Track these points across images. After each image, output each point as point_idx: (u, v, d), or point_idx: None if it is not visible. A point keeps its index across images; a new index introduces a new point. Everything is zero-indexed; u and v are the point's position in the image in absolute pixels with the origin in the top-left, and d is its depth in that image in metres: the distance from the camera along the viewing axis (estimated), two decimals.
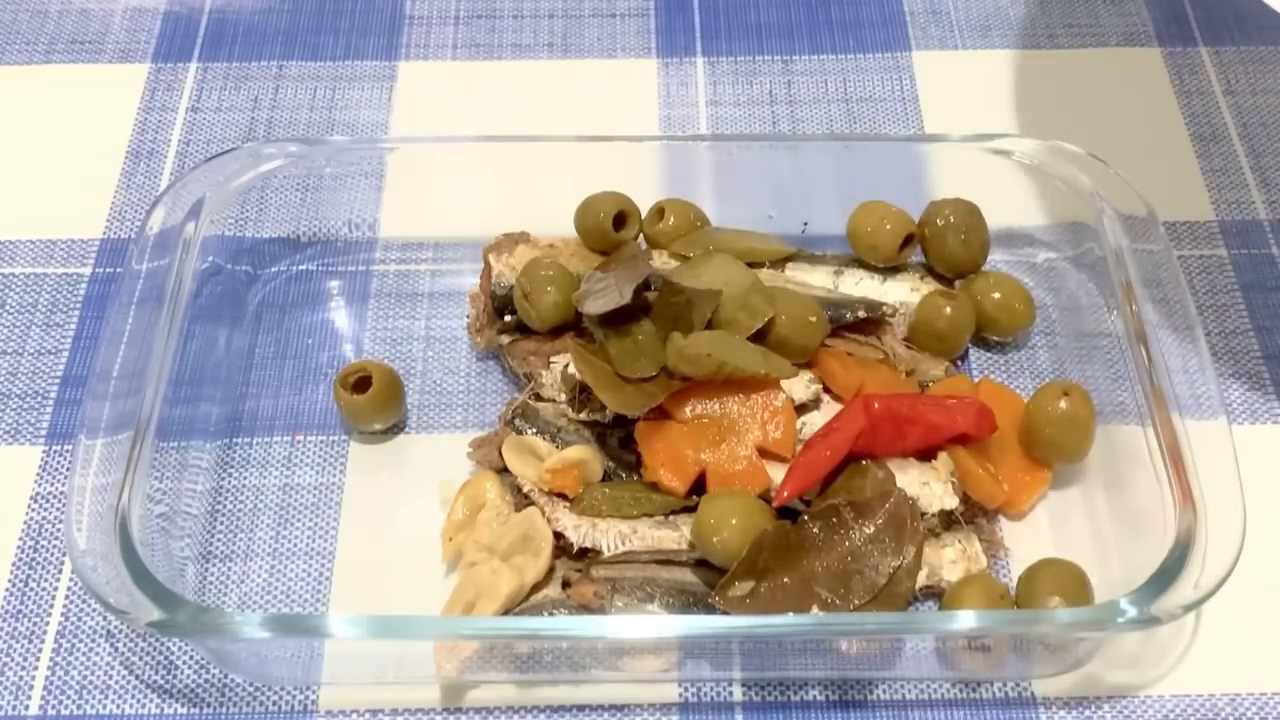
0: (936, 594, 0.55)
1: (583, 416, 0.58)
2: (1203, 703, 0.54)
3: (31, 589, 0.57)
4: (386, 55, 0.78)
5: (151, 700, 0.54)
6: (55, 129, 0.74)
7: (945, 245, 0.63)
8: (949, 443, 0.57)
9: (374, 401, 0.60)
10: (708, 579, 0.54)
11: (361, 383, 0.60)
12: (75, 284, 0.67)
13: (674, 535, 0.55)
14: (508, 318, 0.63)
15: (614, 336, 0.57)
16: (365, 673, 0.55)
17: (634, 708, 0.54)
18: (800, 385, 0.58)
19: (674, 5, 0.81)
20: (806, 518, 0.54)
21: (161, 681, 0.55)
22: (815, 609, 0.52)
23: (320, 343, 0.65)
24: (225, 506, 0.60)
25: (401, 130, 0.74)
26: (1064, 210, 0.65)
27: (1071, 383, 0.59)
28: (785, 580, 0.52)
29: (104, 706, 0.54)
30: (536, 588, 0.55)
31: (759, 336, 0.58)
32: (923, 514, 0.55)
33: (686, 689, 0.55)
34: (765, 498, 0.55)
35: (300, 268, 0.68)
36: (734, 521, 0.53)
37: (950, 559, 0.55)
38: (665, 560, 0.55)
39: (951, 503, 0.56)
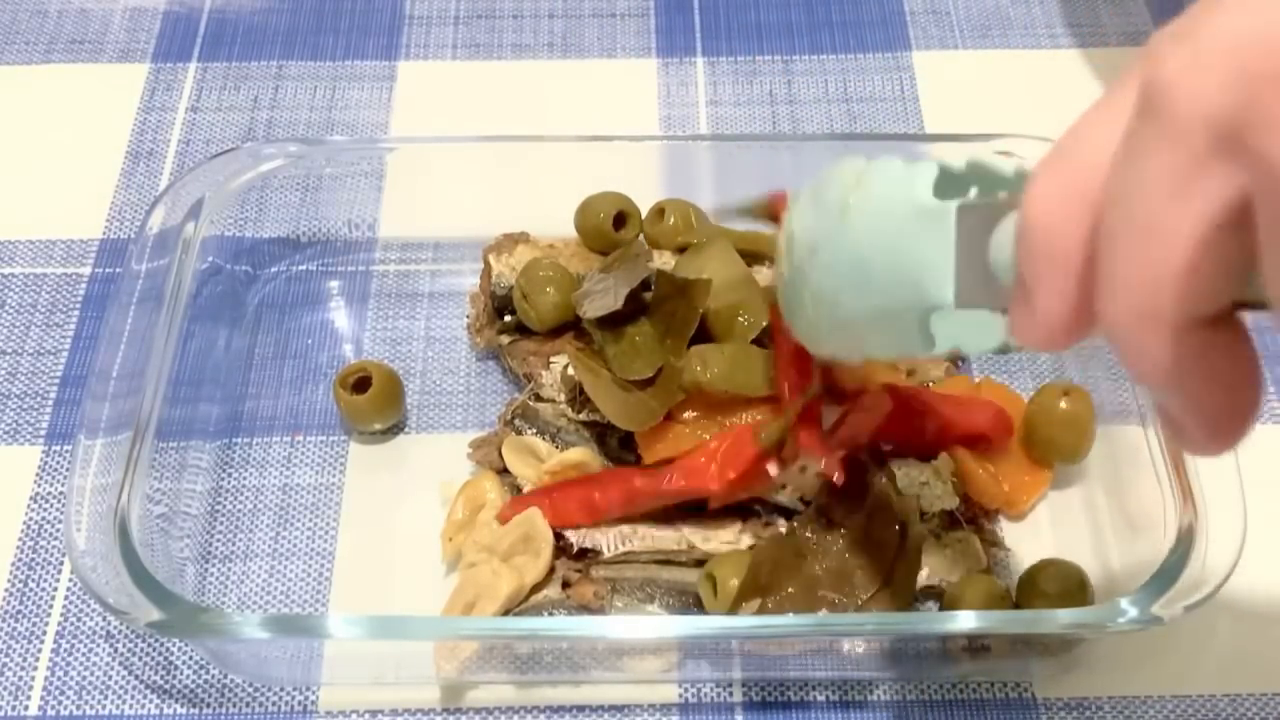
0: (936, 594, 0.55)
1: (583, 417, 0.58)
2: (1203, 703, 0.54)
3: (31, 589, 0.57)
4: (386, 55, 0.78)
5: (151, 700, 0.54)
6: (55, 129, 0.74)
7: None
8: (961, 442, 0.57)
9: (374, 401, 0.60)
10: None
11: (361, 383, 0.60)
12: (75, 284, 0.67)
13: (674, 535, 0.55)
14: (507, 318, 0.62)
15: (612, 338, 0.57)
16: (365, 673, 0.55)
17: (634, 708, 0.54)
18: None
19: (674, 5, 0.81)
20: (797, 524, 0.54)
21: (161, 681, 0.55)
22: (824, 612, 0.52)
23: (320, 343, 0.65)
24: (225, 506, 0.60)
25: (401, 130, 0.74)
26: None
27: (1071, 383, 0.59)
28: (790, 590, 0.52)
29: (104, 706, 0.54)
30: (536, 588, 0.54)
31: (758, 340, 0.57)
32: (923, 514, 0.55)
33: (686, 689, 0.55)
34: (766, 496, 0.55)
35: (300, 268, 0.68)
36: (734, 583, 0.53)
37: (950, 559, 0.55)
38: (665, 560, 0.55)
39: (951, 503, 0.55)
